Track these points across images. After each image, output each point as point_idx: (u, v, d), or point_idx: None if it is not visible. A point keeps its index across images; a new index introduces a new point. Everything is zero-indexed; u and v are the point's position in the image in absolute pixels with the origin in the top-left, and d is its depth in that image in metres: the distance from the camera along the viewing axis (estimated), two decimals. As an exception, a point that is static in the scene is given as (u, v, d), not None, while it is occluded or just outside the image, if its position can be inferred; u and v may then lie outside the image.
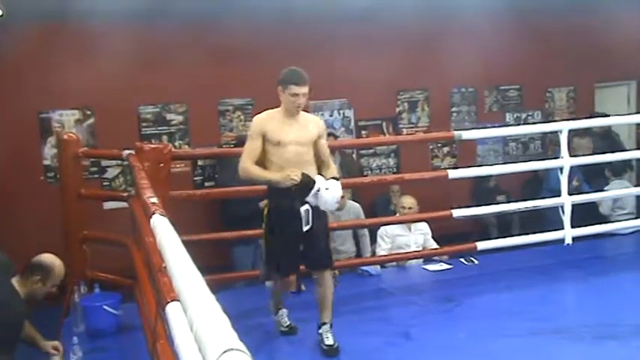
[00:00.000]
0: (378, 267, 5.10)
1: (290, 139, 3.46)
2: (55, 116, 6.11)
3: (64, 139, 4.86)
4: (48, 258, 3.47)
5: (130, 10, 5.68)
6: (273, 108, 3.60)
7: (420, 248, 5.33)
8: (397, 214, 5.46)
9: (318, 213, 3.53)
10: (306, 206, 3.45)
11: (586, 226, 5.25)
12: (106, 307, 3.99)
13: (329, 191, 3.43)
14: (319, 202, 3.45)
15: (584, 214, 5.42)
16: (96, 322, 3.99)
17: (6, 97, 5.79)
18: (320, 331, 3.59)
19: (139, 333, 3.63)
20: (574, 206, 5.12)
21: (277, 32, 6.31)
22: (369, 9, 6.27)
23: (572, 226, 5.09)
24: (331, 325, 3.60)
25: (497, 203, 6.23)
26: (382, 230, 5.36)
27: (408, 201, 5.34)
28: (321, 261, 3.63)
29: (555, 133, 5.55)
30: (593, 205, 5.97)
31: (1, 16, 5.32)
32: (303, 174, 3.41)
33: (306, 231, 3.49)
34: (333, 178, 3.52)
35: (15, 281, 3.31)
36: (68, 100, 6.04)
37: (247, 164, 3.49)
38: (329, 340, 3.54)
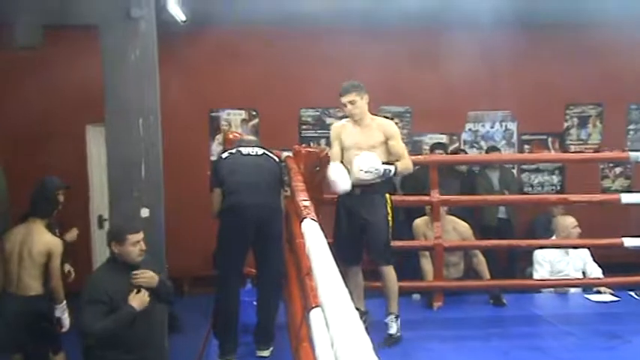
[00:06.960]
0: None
1: (349, 144, 3.73)
2: (224, 115, 6.51)
3: (229, 138, 5.12)
4: None
5: (297, 16, 5.85)
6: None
7: (580, 274, 4.91)
8: (554, 236, 5.05)
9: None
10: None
11: None
12: (255, 303, 4.09)
13: (358, 158, 3.57)
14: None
15: None
16: (246, 317, 4.03)
17: (183, 94, 6.23)
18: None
19: (285, 332, 3.72)
20: None
21: (435, 37, 6.14)
22: (534, 14, 5.92)
23: None
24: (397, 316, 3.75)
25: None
26: (539, 254, 4.97)
27: (571, 221, 4.93)
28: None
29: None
30: None
31: (185, 21, 5.75)
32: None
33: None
34: (386, 163, 3.62)
35: None
36: (236, 100, 6.41)
37: None
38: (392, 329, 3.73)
